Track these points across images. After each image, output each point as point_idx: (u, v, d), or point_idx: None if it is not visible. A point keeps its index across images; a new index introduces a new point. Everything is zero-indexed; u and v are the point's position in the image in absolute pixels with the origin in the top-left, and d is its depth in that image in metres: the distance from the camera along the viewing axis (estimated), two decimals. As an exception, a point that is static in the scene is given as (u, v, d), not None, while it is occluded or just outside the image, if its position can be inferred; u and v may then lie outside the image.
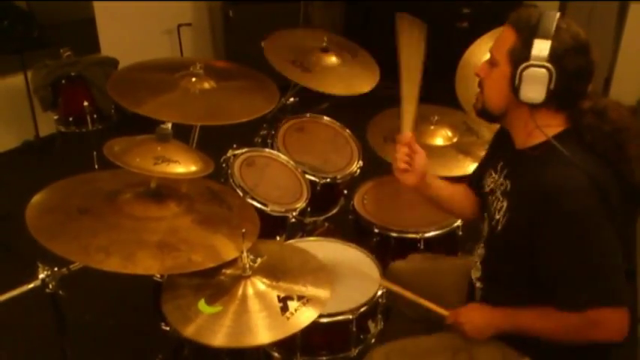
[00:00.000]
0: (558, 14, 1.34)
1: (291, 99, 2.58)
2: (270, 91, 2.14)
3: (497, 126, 1.71)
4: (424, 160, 1.63)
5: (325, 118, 2.57)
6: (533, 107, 1.38)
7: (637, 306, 2.18)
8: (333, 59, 2.47)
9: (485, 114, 1.49)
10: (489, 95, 1.46)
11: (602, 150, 1.37)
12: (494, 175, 1.56)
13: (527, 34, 1.34)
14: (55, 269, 1.49)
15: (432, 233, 2.12)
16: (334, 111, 2.75)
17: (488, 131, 2.37)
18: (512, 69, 1.36)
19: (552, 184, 1.32)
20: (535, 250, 1.37)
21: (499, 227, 1.47)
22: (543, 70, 1.32)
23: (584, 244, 1.32)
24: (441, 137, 2.39)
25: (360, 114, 2.55)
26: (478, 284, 1.60)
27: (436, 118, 2.39)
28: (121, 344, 2.39)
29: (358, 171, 2.43)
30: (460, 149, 2.34)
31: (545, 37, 1.32)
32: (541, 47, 1.32)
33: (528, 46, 1.33)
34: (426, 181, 1.67)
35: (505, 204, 1.46)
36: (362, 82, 2.45)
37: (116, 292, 2.45)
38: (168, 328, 1.88)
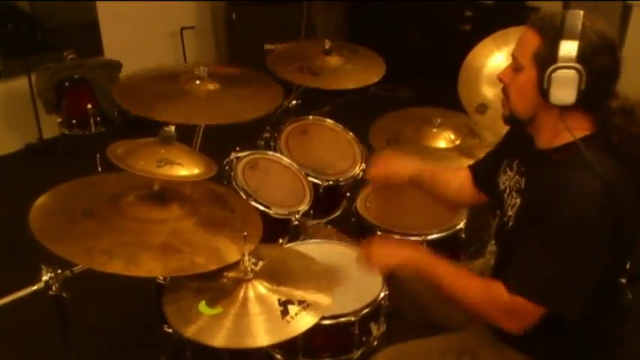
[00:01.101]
0: (582, 12, 1.31)
1: (294, 102, 2.58)
2: (273, 90, 2.15)
3: (498, 128, 1.71)
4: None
5: (328, 120, 2.57)
6: (563, 109, 1.34)
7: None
8: (337, 59, 2.51)
9: (514, 120, 1.46)
10: (516, 101, 1.42)
11: (628, 152, 1.34)
12: (509, 172, 1.54)
13: (552, 35, 1.30)
14: (59, 271, 1.50)
15: (434, 235, 2.12)
16: (337, 113, 2.76)
17: (490, 134, 2.37)
18: (539, 72, 1.33)
19: (564, 188, 1.30)
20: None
21: (510, 223, 1.46)
22: (573, 72, 1.29)
23: (565, 245, 1.30)
24: (443, 140, 2.39)
25: (363, 116, 2.56)
26: None
27: (439, 120, 2.39)
28: (124, 346, 2.39)
29: (361, 173, 2.43)
30: (463, 152, 2.34)
31: (571, 37, 1.28)
32: (568, 48, 1.28)
33: (554, 47, 1.30)
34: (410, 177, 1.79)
35: (518, 201, 1.45)
36: (371, 73, 2.51)
37: (119, 294, 2.45)
38: (170, 330, 1.88)
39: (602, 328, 1.46)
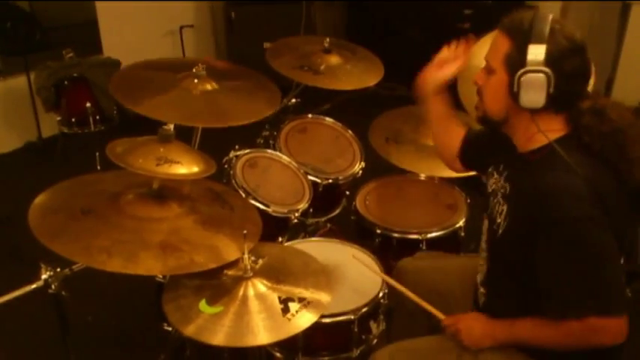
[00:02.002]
0: (551, 16, 1.33)
1: (293, 100, 2.58)
2: (271, 93, 2.14)
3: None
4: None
5: (327, 119, 2.58)
6: (534, 112, 1.37)
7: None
8: (336, 58, 2.50)
9: (487, 121, 1.49)
10: (489, 103, 1.46)
11: (600, 150, 1.36)
12: (496, 175, 1.56)
13: (521, 39, 1.33)
14: (58, 270, 1.49)
15: (434, 234, 2.13)
16: (336, 112, 2.76)
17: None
18: (510, 76, 1.36)
19: (550, 190, 1.32)
20: (533, 257, 1.36)
21: (500, 231, 1.46)
22: (541, 75, 1.31)
23: (580, 251, 1.31)
24: (442, 138, 2.38)
25: (362, 115, 2.56)
26: (481, 289, 1.60)
27: (438, 118, 2.38)
28: (123, 344, 2.39)
29: (360, 172, 2.43)
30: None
31: (539, 41, 1.30)
32: (536, 52, 1.30)
33: (523, 51, 1.32)
34: (438, 97, 1.81)
35: (505, 208, 1.46)
36: (370, 75, 2.50)
37: (119, 292, 2.45)
38: (170, 329, 1.89)
39: None
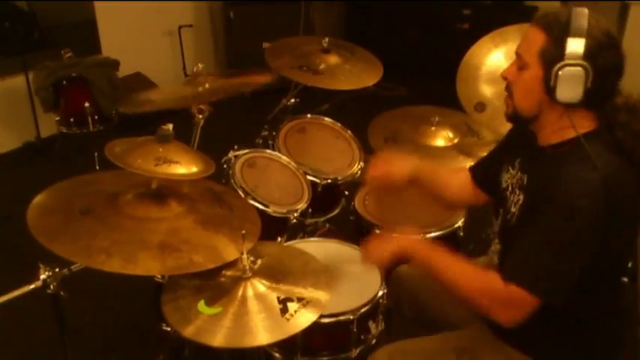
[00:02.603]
0: (587, 10, 1.31)
1: (292, 100, 2.58)
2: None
3: (497, 126, 1.71)
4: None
5: (326, 119, 2.57)
6: (568, 107, 1.34)
7: (637, 307, 2.18)
8: (335, 58, 2.50)
9: (517, 118, 1.45)
10: (521, 99, 1.42)
11: (631, 149, 1.34)
12: (511, 171, 1.54)
13: (559, 32, 1.30)
14: (57, 270, 1.49)
15: (433, 234, 2.12)
16: (335, 112, 2.76)
17: (489, 132, 2.37)
18: (546, 70, 1.33)
19: (561, 178, 1.31)
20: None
21: (514, 220, 1.46)
22: (580, 69, 1.29)
23: (559, 235, 1.30)
24: (441, 138, 2.39)
25: (362, 115, 2.56)
26: None
27: (437, 119, 2.39)
28: (122, 345, 2.39)
29: (359, 172, 2.43)
30: (461, 150, 2.34)
31: (578, 35, 1.28)
32: (575, 45, 1.28)
33: (561, 45, 1.30)
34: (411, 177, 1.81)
35: (522, 197, 1.45)
36: (368, 75, 2.50)
37: (117, 292, 2.45)
38: (169, 329, 1.88)
39: (602, 326, 1.46)
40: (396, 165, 1.85)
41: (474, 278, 1.41)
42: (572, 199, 1.28)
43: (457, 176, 1.81)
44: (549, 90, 1.34)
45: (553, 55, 1.31)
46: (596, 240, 1.30)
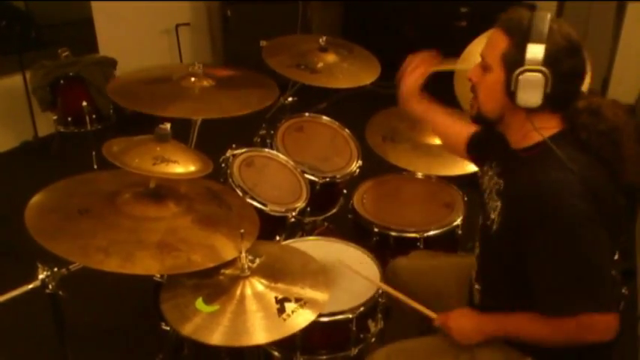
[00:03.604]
0: (549, 15, 1.33)
1: (290, 98, 2.58)
2: (269, 87, 2.14)
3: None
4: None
5: (324, 117, 2.57)
6: (530, 111, 1.37)
7: (637, 305, 2.19)
8: (333, 57, 2.49)
9: (481, 119, 1.48)
10: (484, 100, 1.44)
11: (597, 148, 1.37)
12: (489, 172, 1.56)
13: (520, 37, 1.32)
14: (55, 270, 1.49)
15: (431, 232, 2.13)
16: (333, 110, 2.76)
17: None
18: (507, 74, 1.35)
19: (545, 188, 1.32)
20: (527, 253, 1.37)
21: (494, 227, 1.46)
22: (539, 75, 1.31)
23: (574, 249, 1.31)
24: (439, 136, 2.39)
25: (359, 113, 2.55)
26: (476, 285, 1.60)
27: (435, 117, 2.38)
28: (121, 344, 2.39)
29: (357, 170, 2.43)
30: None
31: (538, 40, 1.30)
32: (535, 51, 1.30)
33: (522, 50, 1.31)
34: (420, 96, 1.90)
35: (499, 204, 1.46)
36: (366, 73, 2.49)
37: (116, 292, 2.45)
38: (168, 328, 1.88)
39: None
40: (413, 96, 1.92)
41: (546, 331, 1.39)
42: (566, 207, 1.29)
43: (459, 129, 1.83)
44: (510, 94, 1.36)
45: (514, 59, 1.33)
46: (601, 231, 1.31)
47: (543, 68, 1.31)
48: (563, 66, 1.32)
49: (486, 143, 1.66)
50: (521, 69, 1.32)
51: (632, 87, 3.73)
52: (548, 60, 1.30)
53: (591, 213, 1.29)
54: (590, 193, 1.30)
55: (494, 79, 1.39)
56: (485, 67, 1.41)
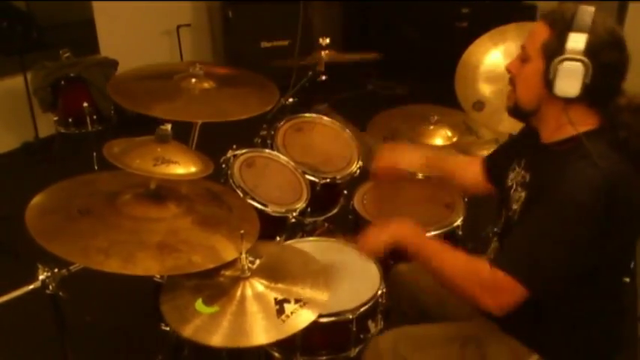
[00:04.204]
0: (594, 8, 1.32)
1: (291, 99, 2.58)
2: (269, 91, 2.14)
3: (495, 125, 1.71)
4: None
5: (325, 118, 2.57)
6: (568, 102, 1.35)
7: (637, 305, 2.18)
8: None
9: (518, 111, 1.47)
10: (522, 91, 1.43)
11: (636, 149, 1.34)
12: (517, 169, 1.55)
13: (562, 27, 1.32)
14: (55, 270, 1.49)
15: (431, 233, 2.12)
16: (334, 111, 2.75)
17: (487, 131, 2.38)
18: (546, 63, 1.34)
19: (564, 175, 1.31)
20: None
21: (515, 217, 1.46)
22: (579, 64, 1.29)
23: (553, 225, 1.31)
24: (440, 137, 2.39)
25: (360, 114, 2.56)
26: None
27: (435, 118, 2.39)
28: (121, 345, 2.39)
29: (358, 171, 2.43)
30: (460, 149, 2.34)
31: (581, 30, 1.29)
32: (577, 40, 1.29)
33: (563, 39, 1.31)
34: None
35: (523, 195, 1.46)
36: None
37: (116, 293, 2.45)
38: (168, 329, 1.88)
39: (604, 323, 1.46)
40: (404, 155, 1.87)
41: (462, 264, 1.42)
42: (572, 193, 1.28)
43: (471, 166, 1.82)
44: (548, 83, 1.34)
45: (554, 49, 1.33)
46: (593, 236, 1.30)
47: (584, 58, 1.29)
48: (605, 58, 1.31)
49: (506, 158, 1.65)
50: (561, 57, 1.31)
51: (634, 87, 3.73)
52: (590, 50, 1.29)
53: (597, 212, 1.28)
54: (609, 192, 1.27)
55: (532, 69, 1.38)
56: (524, 59, 1.41)
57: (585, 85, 1.31)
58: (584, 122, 1.37)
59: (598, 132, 1.37)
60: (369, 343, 1.67)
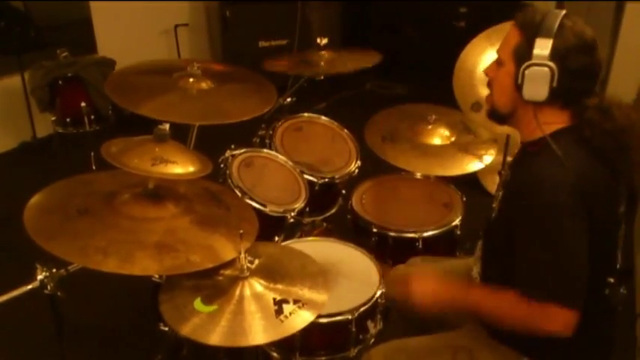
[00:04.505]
0: (563, 12, 1.34)
1: (289, 99, 2.58)
2: (267, 92, 2.14)
3: (493, 126, 1.72)
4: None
5: (323, 117, 2.57)
6: (537, 105, 1.38)
7: (635, 303, 2.19)
8: (331, 54, 2.52)
9: (495, 115, 1.51)
10: (497, 95, 1.48)
11: (600, 146, 1.37)
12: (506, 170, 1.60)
13: (531, 33, 1.35)
14: (54, 270, 1.49)
15: (430, 233, 2.13)
16: (332, 110, 2.76)
17: (485, 131, 2.38)
18: (516, 68, 1.38)
19: (534, 177, 1.35)
20: (515, 240, 1.39)
21: (493, 214, 1.51)
22: (545, 69, 1.33)
23: (549, 236, 1.33)
24: (438, 137, 2.39)
25: (358, 113, 2.56)
26: (477, 280, 1.60)
27: (434, 117, 2.39)
28: (120, 344, 2.39)
29: (356, 171, 2.43)
30: (458, 148, 2.34)
31: (547, 35, 1.32)
32: (542, 46, 1.32)
33: (531, 44, 1.34)
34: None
35: (501, 193, 1.51)
36: (365, 60, 2.55)
37: (115, 292, 2.45)
38: (166, 329, 1.88)
39: (593, 324, 1.46)
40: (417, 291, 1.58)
41: (509, 309, 1.39)
42: (547, 196, 1.31)
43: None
44: (518, 88, 1.38)
45: (523, 53, 1.36)
46: (583, 228, 1.32)
47: (550, 63, 1.32)
48: (572, 62, 1.33)
49: None
50: (528, 63, 1.34)
51: (631, 87, 3.74)
52: (556, 55, 1.32)
53: (575, 208, 1.31)
54: (581, 189, 1.31)
55: (505, 74, 1.42)
56: (499, 63, 1.45)
57: (553, 88, 1.34)
58: (555, 122, 1.40)
59: (567, 130, 1.40)
60: (361, 358, 1.66)
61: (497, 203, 1.52)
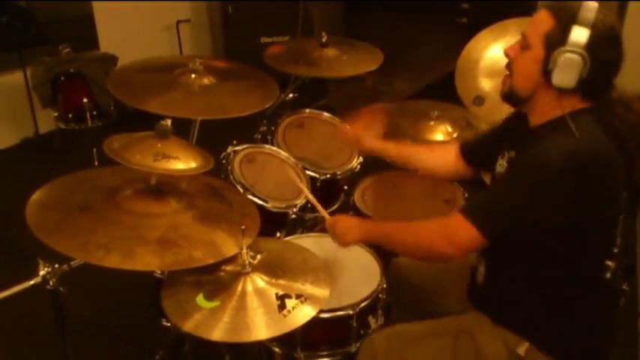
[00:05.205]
0: (597, 5, 1.35)
1: (291, 95, 2.58)
2: (269, 87, 2.14)
3: (495, 120, 1.72)
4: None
5: (325, 113, 2.57)
6: (562, 92, 1.39)
7: (637, 301, 2.19)
8: (333, 51, 2.56)
9: (512, 97, 1.50)
10: (518, 77, 1.46)
11: (625, 137, 1.39)
12: (505, 154, 1.58)
13: (567, 20, 1.35)
14: (56, 266, 1.49)
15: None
16: (334, 107, 2.76)
17: (487, 126, 2.37)
18: (547, 52, 1.37)
19: (544, 148, 1.36)
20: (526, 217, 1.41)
21: None
22: (578, 57, 1.33)
23: (519, 181, 1.38)
24: (440, 132, 2.39)
25: (359, 109, 2.55)
26: (481, 268, 1.60)
27: (436, 113, 2.39)
28: (122, 340, 2.39)
29: (358, 167, 2.43)
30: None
31: (584, 25, 1.33)
32: (579, 34, 1.33)
33: (566, 31, 1.34)
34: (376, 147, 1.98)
35: (505, 168, 1.53)
36: (367, 62, 2.58)
37: (117, 288, 2.45)
38: (168, 324, 1.89)
39: (590, 306, 1.48)
40: (365, 137, 2.01)
41: (428, 223, 1.53)
42: (545, 158, 1.34)
43: (440, 152, 1.91)
44: (546, 73, 1.38)
45: (556, 39, 1.36)
46: (558, 202, 1.33)
47: (584, 52, 1.33)
48: (603, 55, 1.35)
49: (489, 144, 1.69)
50: (562, 49, 1.34)
51: (632, 86, 3.72)
52: (590, 45, 1.33)
53: (568, 180, 1.32)
54: (585, 164, 1.31)
55: (532, 57, 1.41)
56: (524, 45, 1.44)
57: (581, 78, 1.35)
58: (573, 106, 1.41)
59: (587, 110, 1.41)
60: (363, 343, 1.68)
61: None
